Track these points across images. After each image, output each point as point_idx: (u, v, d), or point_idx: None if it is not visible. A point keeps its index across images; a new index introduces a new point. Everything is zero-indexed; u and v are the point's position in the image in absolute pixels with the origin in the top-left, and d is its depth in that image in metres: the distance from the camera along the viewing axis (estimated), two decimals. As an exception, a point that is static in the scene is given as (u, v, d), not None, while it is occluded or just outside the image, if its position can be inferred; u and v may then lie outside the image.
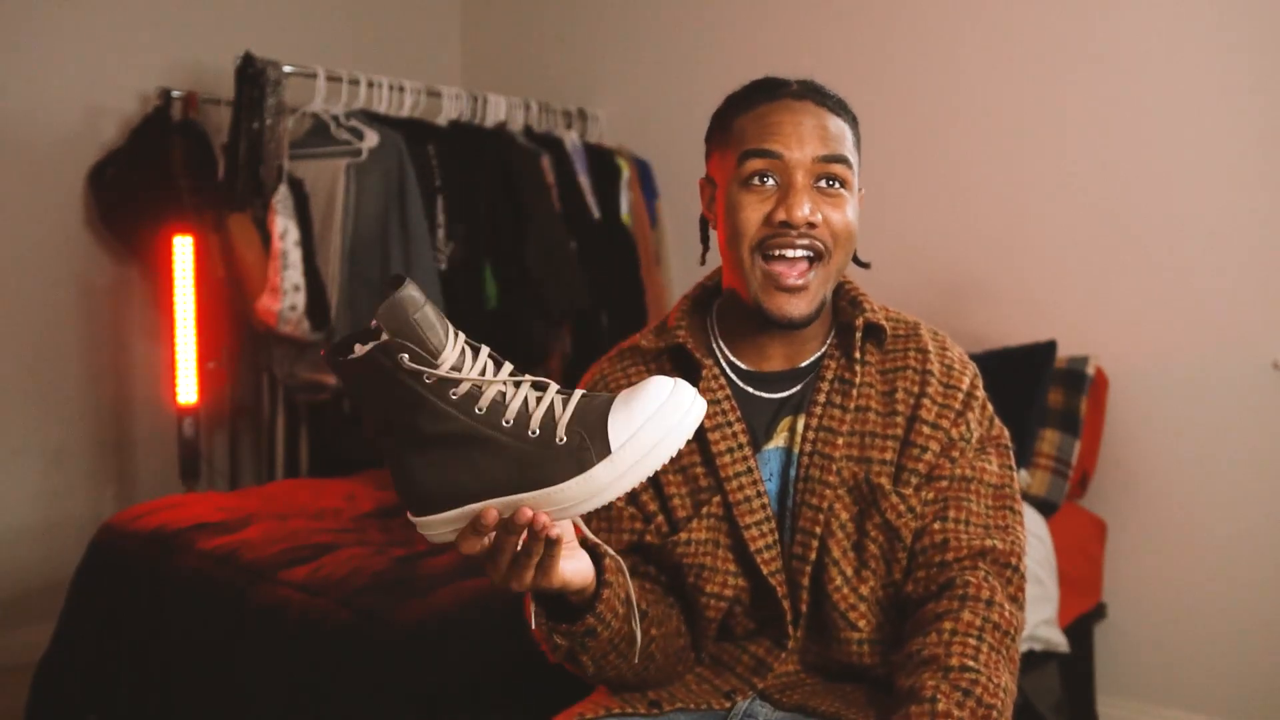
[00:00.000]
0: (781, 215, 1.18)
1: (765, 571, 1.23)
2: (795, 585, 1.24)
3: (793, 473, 1.26)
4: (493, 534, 0.97)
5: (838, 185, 1.20)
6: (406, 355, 0.92)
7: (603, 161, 3.56)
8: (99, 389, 3.31)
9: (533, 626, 1.15)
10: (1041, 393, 2.61)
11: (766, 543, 1.24)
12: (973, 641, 1.13)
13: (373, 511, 2.54)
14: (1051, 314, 2.78)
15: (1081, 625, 2.62)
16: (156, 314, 3.32)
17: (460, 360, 0.95)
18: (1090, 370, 2.64)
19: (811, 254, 1.20)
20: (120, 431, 3.36)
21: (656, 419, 0.95)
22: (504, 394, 0.95)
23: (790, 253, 1.19)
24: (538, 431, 0.94)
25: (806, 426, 1.26)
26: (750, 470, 1.25)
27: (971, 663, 1.11)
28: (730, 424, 1.26)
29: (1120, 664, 2.73)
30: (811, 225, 1.19)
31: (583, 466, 0.94)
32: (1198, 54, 2.59)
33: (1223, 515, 2.59)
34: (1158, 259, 2.65)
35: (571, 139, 3.53)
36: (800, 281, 1.20)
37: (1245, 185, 2.54)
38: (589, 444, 0.94)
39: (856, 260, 1.33)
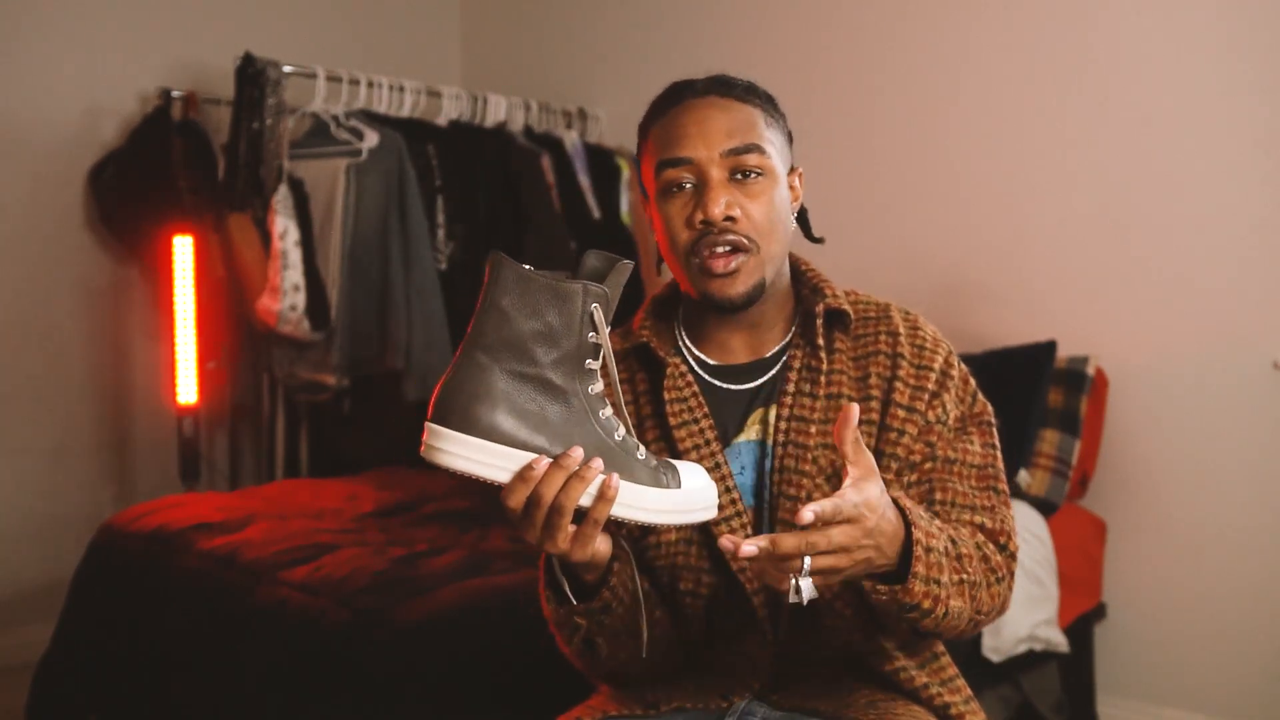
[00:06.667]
0: (700, 215, 1.20)
1: (735, 567, 1.23)
2: None
3: (768, 464, 1.26)
4: (530, 489, 0.99)
5: (754, 175, 1.21)
6: (599, 307, 1.01)
7: (603, 161, 3.56)
8: (99, 389, 3.31)
9: (547, 609, 1.16)
10: (1041, 393, 2.61)
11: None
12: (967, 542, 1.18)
13: (373, 511, 2.54)
14: (1051, 314, 2.78)
15: (1081, 625, 2.62)
16: (156, 314, 3.32)
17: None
18: (1090, 370, 2.64)
19: (737, 248, 1.21)
20: (120, 431, 3.36)
21: (704, 490, 1.07)
22: (611, 401, 1.03)
23: (718, 249, 1.21)
24: (621, 438, 1.04)
25: (778, 417, 1.25)
26: (718, 466, 1.24)
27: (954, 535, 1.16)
28: (697, 420, 1.26)
29: (1120, 664, 2.73)
30: (731, 219, 1.20)
31: (661, 485, 1.04)
32: (1198, 54, 2.59)
33: (1223, 515, 2.59)
34: (1158, 259, 2.65)
35: (571, 139, 3.53)
36: (730, 267, 1.21)
37: (1245, 186, 2.53)
38: (665, 471, 1.05)
39: (809, 236, 1.35)
